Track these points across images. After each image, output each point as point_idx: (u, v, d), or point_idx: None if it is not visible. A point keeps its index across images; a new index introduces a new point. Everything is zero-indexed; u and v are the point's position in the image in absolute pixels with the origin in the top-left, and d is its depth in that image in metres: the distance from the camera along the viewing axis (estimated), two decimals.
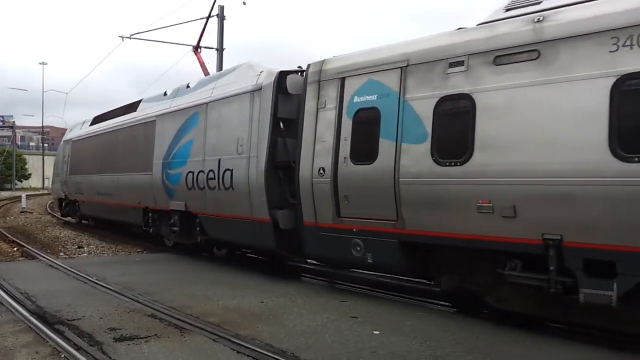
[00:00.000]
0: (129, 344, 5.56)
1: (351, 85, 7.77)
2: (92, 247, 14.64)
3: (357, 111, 7.65)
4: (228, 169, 10.06)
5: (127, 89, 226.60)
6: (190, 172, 11.26)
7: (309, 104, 8.38)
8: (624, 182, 5.14)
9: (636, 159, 5.09)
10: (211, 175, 10.57)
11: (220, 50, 20.89)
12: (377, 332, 5.98)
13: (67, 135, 21.34)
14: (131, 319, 6.56)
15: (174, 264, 11.31)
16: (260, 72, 9.65)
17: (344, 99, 7.85)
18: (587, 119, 5.40)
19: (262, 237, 9.36)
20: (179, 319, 6.49)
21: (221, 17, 20.97)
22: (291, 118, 8.95)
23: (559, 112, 5.60)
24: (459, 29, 6.95)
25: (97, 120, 18.14)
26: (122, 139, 15.02)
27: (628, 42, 5.21)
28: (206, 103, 11.07)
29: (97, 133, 17.31)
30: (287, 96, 9.00)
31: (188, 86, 12.50)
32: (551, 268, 5.68)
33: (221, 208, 10.42)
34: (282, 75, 9.07)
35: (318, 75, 8.34)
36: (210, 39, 24.18)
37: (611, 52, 5.31)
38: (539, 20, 5.92)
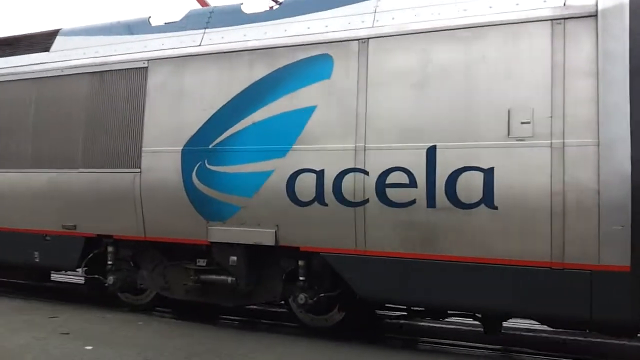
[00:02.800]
0: None
1: None
2: None
3: None
4: (470, 168, 5.10)
5: None
6: (303, 170, 5.70)
7: None
8: None
9: None
10: (398, 179, 5.35)
11: None
12: (89, 347, 5.47)
13: None
14: None
15: None
16: None
17: None
18: None
19: (583, 301, 4.81)
20: None
21: None
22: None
23: None
24: None
25: None
26: (36, 102, 7.56)
27: None
28: (362, 38, 5.68)
29: None
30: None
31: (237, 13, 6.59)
32: None
33: (428, 242, 5.30)
34: None
35: None
36: None
37: None
38: None
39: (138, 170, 6.63)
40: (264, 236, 5.98)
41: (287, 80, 5.95)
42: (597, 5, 4.86)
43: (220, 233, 6.22)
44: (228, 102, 6.21)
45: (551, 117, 4.89)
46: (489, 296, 5.14)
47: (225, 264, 6.32)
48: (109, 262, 7.09)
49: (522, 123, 4.98)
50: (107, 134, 6.90)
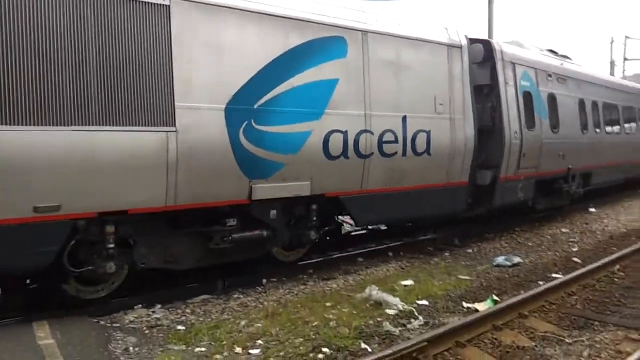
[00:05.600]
0: None
1: (515, 72, 10.24)
2: None
3: (523, 92, 10.37)
4: (422, 130, 8.15)
5: None
6: (334, 131, 7.14)
7: (501, 77, 9.66)
8: None
9: None
10: (389, 137, 7.75)
11: None
12: None
13: None
14: None
15: None
16: (445, 28, 8.72)
17: (516, 82, 10.16)
18: None
19: (452, 202, 8.92)
20: None
21: None
22: (481, 84, 9.33)
23: None
24: None
25: None
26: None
27: None
28: (362, 30, 7.42)
29: None
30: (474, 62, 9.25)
31: None
32: None
33: (400, 180, 7.98)
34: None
35: (501, 55, 9.75)
36: None
37: None
38: None
39: (173, 128, 5.69)
40: (302, 188, 6.89)
41: (312, 51, 6.92)
42: (459, 41, 8.88)
43: (264, 190, 6.51)
44: (270, 62, 6.46)
45: (449, 102, 8.63)
46: (426, 207, 8.49)
47: (266, 218, 6.65)
48: (110, 246, 5.56)
49: (440, 104, 8.49)
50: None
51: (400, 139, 7.88)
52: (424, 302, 6.23)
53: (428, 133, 8.24)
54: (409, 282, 7.04)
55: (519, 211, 11.44)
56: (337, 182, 7.26)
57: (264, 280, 7.14)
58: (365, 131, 7.45)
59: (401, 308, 5.90)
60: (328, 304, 6.13)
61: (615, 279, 7.24)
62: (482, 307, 6.00)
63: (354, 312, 5.83)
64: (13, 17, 4.81)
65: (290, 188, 6.76)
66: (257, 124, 6.35)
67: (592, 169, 13.61)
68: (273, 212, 6.75)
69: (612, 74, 33.43)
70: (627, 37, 37.60)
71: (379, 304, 5.99)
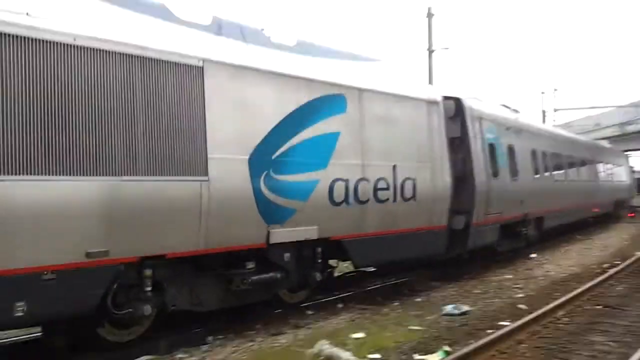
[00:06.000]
0: None
1: (482, 125, 11.39)
2: None
3: (488, 144, 11.50)
4: (409, 178, 8.97)
5: None
6: (339, 179, 7.83)
7: (470, 131, 10.74)
8: None
9: None
10: (382, 185, 8.51)
11: None
12: None
13: None
14: None
15: None
16: (425, 86, 9.73)
17: (482, 134, 11.29)
18: None
19: (433, 244, 9.71)
20: None
21: None
22: (453, 137, 10.34)
23: None
24: None
25: None
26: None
27: None
28: (359, 89, 8.26)
29: None
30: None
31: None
32: None
33: (391, 224, 8.70)
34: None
35: (470, 111, 10.88)
36: None
37: None
38: None
39: (202, 178, 6.20)
40: (311, 232, 7.47)
41: (318, 107, 7.66)
42: (436, 98, 9.90)
43: (280, 235, 7.04)
44: (284, 118, 7.13)
45: (430, 152, 9.54)
46: (414, 249, 9.22)
47: (281, 261, 7.15)
48: (147, 289, 5.89)
49: (422, 154, 9.38)
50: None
51: (391, 186, 8.65)
52: (376, 355, 6.10)
53: (414, 180, 9.07)
54: (360, 335, 6.89)
55: (483, 254, 12.38)
56: (340, 226, 7.88)
57: (210, 338, 6.78)
58: (363, 179, 8.17)
59: None
60: None
61: (560, 325, 7.45)
62: (435, 359, 5.99)
63: None
64: (85, 87, 5.30)
65: (301, 232, 7.33)
66: (274, 174, 6.94)
67: (544, 213, 14.91)
68: (287, 255, 7.27)
69: (543, 122, 36.34)
70: (555, 90, 40.76)
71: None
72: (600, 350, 6.32)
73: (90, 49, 5.38)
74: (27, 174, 4.90)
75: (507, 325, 7.11)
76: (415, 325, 7.50)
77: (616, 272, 11.13)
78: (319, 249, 7.81)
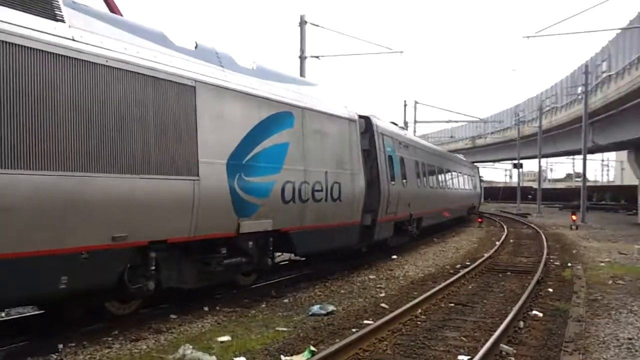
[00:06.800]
0: None
1: (384, 140, 13.71)
2: None
3: (388, 156, 13.85)
4: (336, 182, 10.88)
5: None
6: (288, 181, 9.53)
7: (377, 145, 12.97)
8: None
9: None
10: (318, 187, 10.33)
11: None
12: None
13: None
14: None
15: None
16: (345, 105, 11.71)
17: (384, 148, 13.60)
18: None
19: (351, 237, 11.72)
20: None
21: None
22: (364, 149, 12.43)
23: None
24: None
25: None
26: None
27: None
28: (302, 108, 9.99)
29: None
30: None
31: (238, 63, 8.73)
32: None
33: (322, 219, 10.53)
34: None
35: (377, 128, 13.11)
36: None
37: None
38: None
39: (192, 177, 7.54)
40: (268, 224, 9.05)
41: (274, 121, 9.29)
42: (354, 116, 11.97)
43: (247, 225, 8.54)
44: (250, 131, 8.66)
45: (350, 161, 11.56)
46: (338, 240, 11.15)
47: (246, 247, 8.64)
48: (152, 268, 7.11)
49: (345, 163, 11.36)
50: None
51: (324, 188, 10.50)
52: (242, 358, 6.07)
53: (340, 184, 11.01)
54: (225, 338, 6.82)
55: (378, 247, 14.68)
56: (287, 220, 9.55)
57: (60, 346, 6.38)
58: (305, 182, 9.93)
59: None
60: None
61: (419, 322, 7.84)
62: (301, 359, 6.06)
63: None
64: (117, 101, 6.47)
65: (263, 224, 8.88)
66: (244, 176, 8.43)
67: (424, 214, 17.78)
68: (250, 243, 8.78)
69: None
70: (416, 102, 43.77)
71: None
72: (453, 345, 6.74)
73: (118, 69, 6.55)
74: (84, 171, 6.03)
75: (370, 324, 7.34)
76: (282, 326, 7.56)
77: (467, 272, 11.92)
78: (271, 239, 9.40)
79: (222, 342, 6.69)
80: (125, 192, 6.56)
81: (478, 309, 8.85)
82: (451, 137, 60.08)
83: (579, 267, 13.53)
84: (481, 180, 43.11)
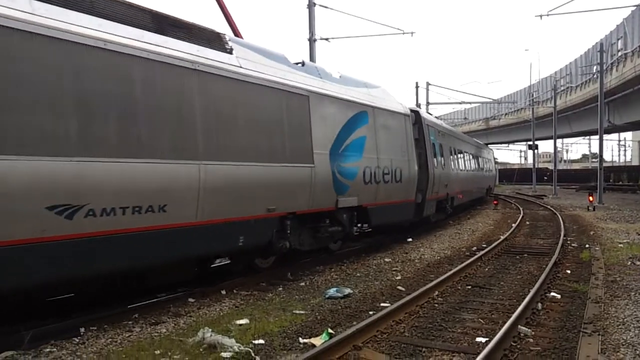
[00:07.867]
0: None
1: (429, 130, 16.11)
2: None
3: (432, 144, 16.28)
4: (398, 167, 13.31)
5: None
6: (367, 167, 11.96)
7: (425, 134, 15.40)
8: None
9: None
10: (386, 171, 12.76)
11: None
12: None
13: None
14: None
15: None
16: (400, 102, 14.12)
17: (429, 136, 16.02)
18: None
19: (408, 212, 14.19)
20: None
21: None
22: (415, 138, 14.85)
23: None
24: None
25: None
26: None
27: None
28: (373, 107, 12.41)
29: None
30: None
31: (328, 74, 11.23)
32: None
33: (389, 197, 12.97)
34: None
35: (424, 120, 15.52)
36: None
37: None
38: None
39: (309, 164, 9.98)
40: (354, 201, 11.49)
41: (356, 119, 11.71)
42: (408, 112, 14.38)
43: (343, 201, 10.99)
44: (342, 127, 11.08)
45: (407, 149, 13.97)
46: (399, 214, 13.67)
47: (342, 219, 11.10)
48: (288, 232, 9.58)
49: (403, 151, 13.78)
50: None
51: (390, 172, 12.93)
52: (261, 341, 6.12)
53: (400, 169, 13.44)
54: (244, 321, 6.89)
55: (423, 222, 17.10)
56: (366, 197, 11.99)
57: (82, 329, 6.53)
58: (377, 167, 12.36)
59: (237, 350, 5.70)
60: (157, 351, 5.79)
61: (436, 305, 7.78)
62: (319, 341, 6.02)
63: (187, 358, 5.61)
64: (249, 106, 8.90)
65: (352, 200, 11.33)
66: (340, 162, 10.86)
67: (456, 194, 20.25)
68: (345, 216, 11.24)
69: None
70: (428, 84, 40.86)
71: (214, 347, 5.76)
72: (471, 327, 6.72)
73: (266, 87, 8.95)
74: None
75: (387, 306, 7.37)
76: (300, 309, 7.61)
77: (483, 254, 11.87)
78: (355, 213, 11.85)
79: (240, 325, 6.78)
80: (275, 177, 9.01)
81: (495, 291, 8.81)
82: (465, 118, 61.02)
83: (596, 248, 13.26)
84: (495, 162, 45.28)
